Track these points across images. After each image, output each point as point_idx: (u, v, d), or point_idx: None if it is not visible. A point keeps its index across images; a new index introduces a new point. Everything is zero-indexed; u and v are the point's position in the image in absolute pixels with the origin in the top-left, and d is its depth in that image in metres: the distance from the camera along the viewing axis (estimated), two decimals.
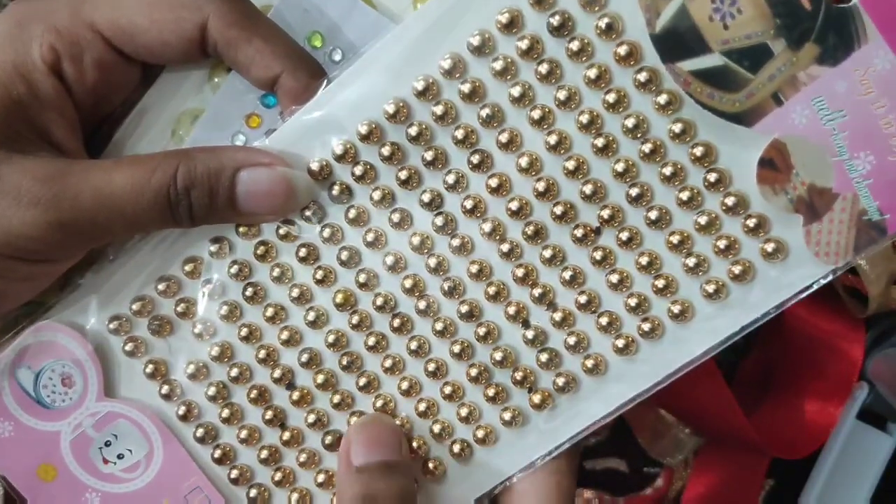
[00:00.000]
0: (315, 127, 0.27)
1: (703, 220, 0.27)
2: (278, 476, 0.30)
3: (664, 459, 0.43)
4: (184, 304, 0.29)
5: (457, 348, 0.29)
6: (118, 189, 0.26)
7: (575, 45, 0.26)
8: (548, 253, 0.27)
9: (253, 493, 0.30)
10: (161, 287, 0.29)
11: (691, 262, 0.27)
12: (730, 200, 0.26)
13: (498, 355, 0.28)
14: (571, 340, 0.28)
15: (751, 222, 0.26)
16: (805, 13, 0.24)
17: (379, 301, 0.28)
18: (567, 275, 0.28)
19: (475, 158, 0.27)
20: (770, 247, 0.26)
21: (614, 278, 0.27)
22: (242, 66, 0.27)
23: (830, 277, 0.26)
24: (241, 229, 0.28)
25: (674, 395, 0.38)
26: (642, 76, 0.25)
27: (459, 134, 0.27)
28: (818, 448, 0.41)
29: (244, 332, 0.29)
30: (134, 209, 0.26)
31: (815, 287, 0.26)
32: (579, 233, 0.27)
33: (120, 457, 0.30)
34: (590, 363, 0.28)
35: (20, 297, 0.28)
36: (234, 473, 0.30)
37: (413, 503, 0.28)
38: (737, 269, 0.27)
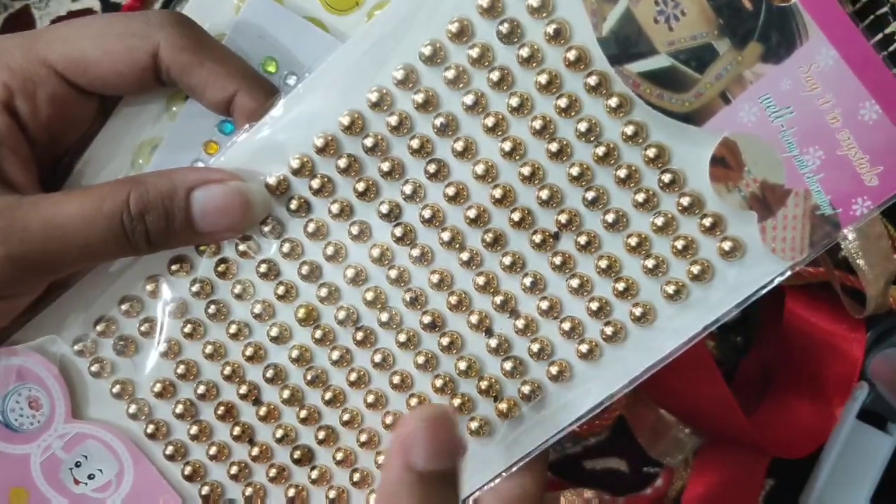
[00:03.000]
0: (270, 142, 0.27)
1: (659, 220, 0.27)
2: (249, 491, 0.30)
3: (664, 459, 0.43)
4: (147, 323, 0.29)
5: (421, 359, 0.29)
6: (68, 219, 0.26)
7: (525, 52, 0.26)
8: (507, 260, 0.28)
9: None
10: (124, 307, 0.29)
11: (650, 263, 0.27)
12: (685, 200, 0.26)
13: (462, 365, 0.28)
14: (535, 347, 0.28)
15: (707, 221, 0.27)
16: (747, 13, 0.25)
17: (341, 315, 0.29)
18: (528, 281, 0.28)
19: (431, 168, 0.27)
20: (727, 245, 0.26)
21: (574, 283, 0.28)
22: (197, 90, 0.27)
23: (788, 273, 0.26)
24: (201, 247, 0.28)
25: (674, 395, 0.40)
26: (592, 80, 0.26)
27: (415, 143, 0.27)
28: (818, 448, 0.40)
29: (209, 349, 0.29)
30: (86, 238, 0.26)
31: (775, 283, 0.26)
32: (538, 238, 0.27)
33: (91, 477, 0.30)
34: (554, 370, 0.28)
35: None
36: (206, 490, 0.30)
37: None
38: (695, 269, 0.27)
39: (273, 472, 0.30)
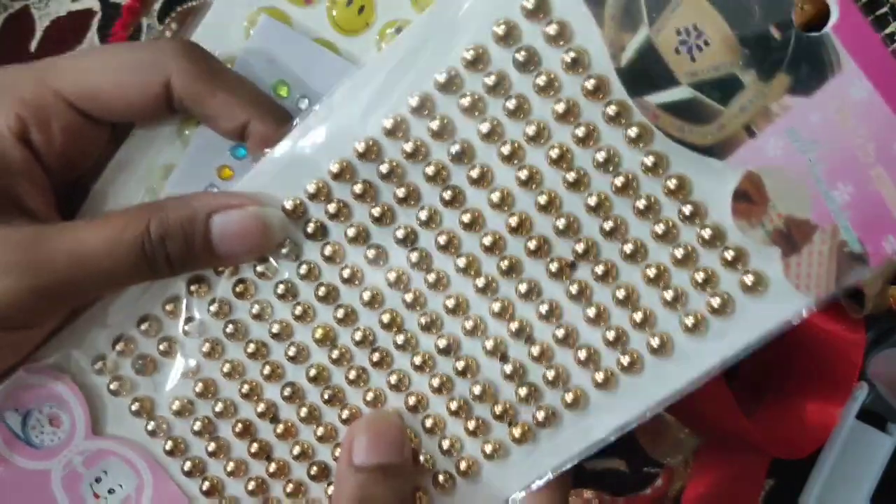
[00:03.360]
0: (286, 168, 0.27)
1: (679, 252, 0.26)
2: None
3: (664, 459, 0.43)
4: (166, 342, 0.29)
5: (436, 382, 0.28)
6: (91, 248, 0.26)
7: (542, 81, 0.25)
8: (523, 287, 0.27)
9: None
10: (143, 327, 0.29)
11: (669, 295, 0.26)
12: (706, 233, 0.26)
13: (477, 389, 0.28)
14: (550, 375, 0.28)
15: (728, 255, 0.26)
16: (775, 43, 0.24)
17: (358, 336, 0.28)
18: (544, 309, 0.27)
19: (447, 195, 0.27)
20: (749, 279, 0.26)
21: (591, 312, 0.27)
22: (210, 119, 0.27)
23: (814, 310, 0.26)
24: (219, 269, 0.28)
25: None
26: (611, 110, 0.25)
27: (430, 171, 0.27)
28: (818, 448, 0.40)
29: (227, 368, 0.29)
30: (110, 266, 0.26)
31: (798, 321, 0.26)
32: (554, 267, 0.27)
33: (111, 491, 0.30)
34: (569, 397, 0.28)
35: (2, 363, 0.28)
36: None
37: None
38: (716, 303, 0.26)
39: (290, 487, 0.30)
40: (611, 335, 0.27)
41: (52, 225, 0.27)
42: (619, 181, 0.26)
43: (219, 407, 0.30)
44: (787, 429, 0.40)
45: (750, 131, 0.24)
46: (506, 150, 0.26)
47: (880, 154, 0.24)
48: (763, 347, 0.42)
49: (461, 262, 0.27)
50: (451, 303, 0.28)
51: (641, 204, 0.26)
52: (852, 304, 0.38)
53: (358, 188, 0.27)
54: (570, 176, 0.26)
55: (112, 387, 0.30)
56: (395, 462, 0.28)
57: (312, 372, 0.29)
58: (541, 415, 0.28)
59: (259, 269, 0.28)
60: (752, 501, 0.43)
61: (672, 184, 0.25)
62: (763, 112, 0.24)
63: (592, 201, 0.26)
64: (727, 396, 0.38)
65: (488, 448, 0.28)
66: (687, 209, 0.26)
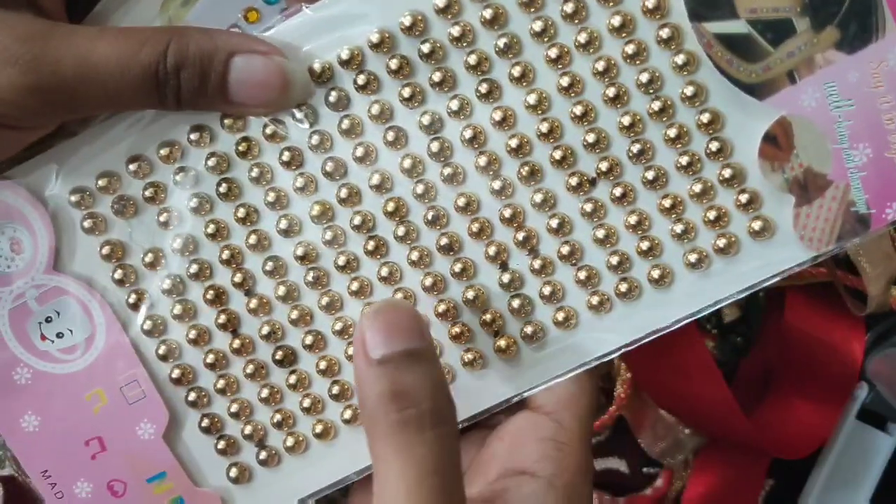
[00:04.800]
0: (323, 26, 0.27)
1: (697, 187, 0.27)
2: (221, 383, 0.29)
3: (664, 460, 0.43)
4: (153, 188, 0.28)
5: (429, 281, 0.28)
6: (103, 59, 0.25)
7: None
8: (539, 197, 0.27)
9: (192, 396, 0.29)
10: (132, 167, 0.28)
11: (679, 228, 0.27)
12: (727, 172, 0.26)
13: (470, 294, 0.28)
14: (546, 290, 0.28)
15: (743, 197, 0.26)
16: None
17: (357, 220, 0.28)
18: (554, 222, 0.27)
19: (483, 87, 0.27)
20: (758, 224, 0.27)
21: (600, 233, 0.27)
22: None
23: (808, 264, 0.27)
24: (226, 121, 0.27)
25: (674, 395, 0.40)
26: (665, 32, 0.25)
27: (472, 59, 0.26)
28: (818, 448, 0.41)
29: (211, 228, 0.28)
30: (117, 83, 0.25)
31: (793, 270, 0.27)
32: (574, 181, 0.27)
33: (59, 335, 0.29)
34: (560, 316, 0.28)
35: None
36: (176, 373, 0.29)
37: (448, 393, 0.25)
38: (721, 243, 0.27)
39: (251, 367, 0.29)
40: (614, 259, 0.27)
41: (65, 25, 0.25)
42: (656, 105, 0.26)
43: (193, 268, 0.28)
44: (787, 429, 0.41)
45: (792, 77, 0.25)
46: (553, 52, 0.26)
47: None
48: (763, 347, 0.43)
49: (482, 160, 0.27)
50: (461, 201, 0.27)
51: (672, 133, 0.26)
52: (856, 302, 0.39)
53: (394, 63, 0.26)
54: (611, 91, 0.26)
55: (86, 224, 0.28)
56: (417, 347, 0.25)
57: (300, 250, 0.28)
58: (528, 329, 0.28)
59: (268, 129, 0.27)
60: (752, 501, 0.43)
61: (706, 117, 0.26)
62: (808, 61, 0.25)
63: (626, 121, 0.26)
64: (727, 396, 0.38)
65: (468, 356, 0.28)
66: (714, 145, 0.26)
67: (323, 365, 0.29)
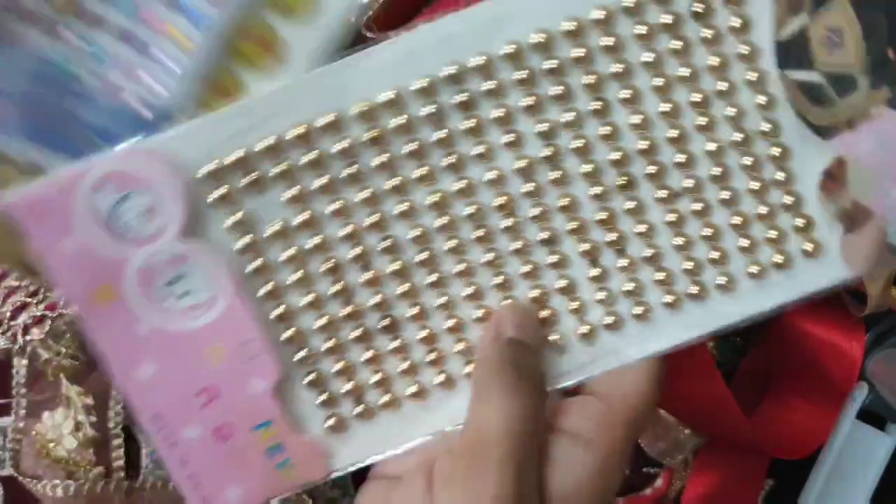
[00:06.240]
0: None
1: (763, 210, 0.31)
2: (329, 345, 0.32)
3: (664, 459, 0.44)
4: (283, 165, 0.30)
5: (527, 268, 0.31)
6: None
7: (708, 33, 0.30)
8: (631, 205, 0.31)
9: (301, 354, 0.32)
10: (262, 144, 0.30)
11: (745, 243, 0.31)
12: (788, 199, 0.31)
13: (562, 283, 0.32)
14: (628, 287, 0.32)
15: (799, 222, 0.31)
16: (889, 62, 0.30)
17: (469, 209, 0.31)
18: (642, 228, 0.31)
19: (597, 105, 0.30)
20: (810, 246, 0.31)
21: (679, 240, 0.31)
22: None
23: (845, 284, 0.32)
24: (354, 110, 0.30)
25: (674, 395, 0.40)
26: (753, 75, 0.30)
27: (590, 79, 0.30)
28: (818, 448, 0.42)
29: (336, 205, 0.30)
30: None
31: (836, 288, 0.31)
32: (662, 194, 0.31)
33: (183, 295, 0.31)
34: (639, 310, 0.32)
35: None
36: (290, 333, 0.32)
37: (545, 391, 0.31)
38: (779, 259, 0.32)
39: (357, 332, 0.31)
40: (689, 265, 0.32)
41: None
42: (738, 136, 0.31)
43: (316, 240, 0.31)
44: (787, 429, 0.42)
45: (850, 124, 0.30)
46: (658, 81, 0.30)
47: None
48: (763, 347, 0.44)
49: (587, 167, 0.30)
50: (565, 201, 0.31)
51: (748, 161, 0.31)
52: (854, 302, 0.41)
53: (551, 63, 0.29)
54: (702, 120, 0.30)
55: (216, 195, 0.30)
56: (534, 343, 0.31)
57: (415, 232, 0.31)
58: (609, 319, 0.32)
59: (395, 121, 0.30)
60: (752, 501, 0.44)
61: (776, 151, 0.31)
62: (864, 112, 0.30)
63: (711, 147, 0.31)
64: (727, 396, 0.39)
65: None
66: (780, 175, 0.31)
67: (423, 334, 0.32)
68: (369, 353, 0.32)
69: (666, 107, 0.30)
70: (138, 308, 0.31)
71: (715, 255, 0.31)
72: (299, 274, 0.31)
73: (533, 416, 0.29)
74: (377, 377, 0.32)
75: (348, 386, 0.32)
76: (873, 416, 0.43)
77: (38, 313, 0.48)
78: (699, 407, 0.42)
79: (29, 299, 0.48)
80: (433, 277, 0.31)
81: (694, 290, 0.31)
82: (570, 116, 0.30)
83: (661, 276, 0.31)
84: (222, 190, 0.30)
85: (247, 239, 0.31)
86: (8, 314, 0.48)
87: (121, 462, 0.47)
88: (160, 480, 0.47)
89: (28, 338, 0.47)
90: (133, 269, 0.30)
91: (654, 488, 0.46)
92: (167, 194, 0.30)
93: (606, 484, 0.30)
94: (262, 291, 0.31)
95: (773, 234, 0.31)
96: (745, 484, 0.44)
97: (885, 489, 0.43)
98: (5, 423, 0.49)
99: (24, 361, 0.48)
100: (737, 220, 0.31)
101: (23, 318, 0.48)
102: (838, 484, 0.42)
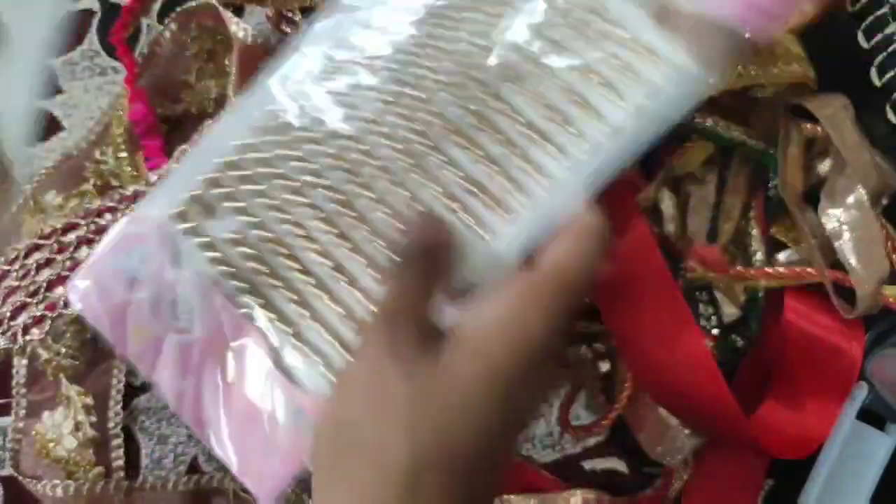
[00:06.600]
0: None
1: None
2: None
3: (664, 460, 0.44)
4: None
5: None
6: None
7: None
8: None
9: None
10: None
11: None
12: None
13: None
14: None
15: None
16: None
17: None
18: None
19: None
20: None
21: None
22: None
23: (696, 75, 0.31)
24: None
25: (674, 395, 0.42)
26: None
27: None
28: (818, 448, 0.41)
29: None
30: None
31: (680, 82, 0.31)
32: None
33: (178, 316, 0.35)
34: None
35: None
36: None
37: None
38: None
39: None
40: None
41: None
42: None
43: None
44: (787, 429, 0.41)
45: None
46: None
47: None
48: (763, 347, 0.44)
49: None
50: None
51: None
52: (844, 303, 0.40)
53: None
54: None
55: (197, 241, 0.35)
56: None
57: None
58: None
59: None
60: (752, 501, 0.43)
61: None
62: None
63: None
64: (727, 396, 0.39)
65: None
66: None
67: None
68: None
69: None
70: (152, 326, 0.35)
71: None
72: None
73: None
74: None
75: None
76: (873, 416, 0.42)
77: (38, 313, 0.48)
78: (699, 407, 0.41)
79: (29, 299, 0.48)
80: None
81: None
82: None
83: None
84: (203, 238, 0.35)
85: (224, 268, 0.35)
86: (8, 314, 0.48)
87: (120, 462, 0.47)
88: (160, 480, 0.47)
89: (28, 338, 0.47)
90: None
91: (654, 488, 0.45)
92: (154, 243, 0.35)
93: (524, 333, 0.29)
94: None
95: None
96: (745, 484, 0.44)
97: (885, 489, 0.42)
98: (5, 423, 0.49)
99: (24, 361, 0.49)
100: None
101: (23, 318, 0.48)
102: (838, 484, 0.42)
